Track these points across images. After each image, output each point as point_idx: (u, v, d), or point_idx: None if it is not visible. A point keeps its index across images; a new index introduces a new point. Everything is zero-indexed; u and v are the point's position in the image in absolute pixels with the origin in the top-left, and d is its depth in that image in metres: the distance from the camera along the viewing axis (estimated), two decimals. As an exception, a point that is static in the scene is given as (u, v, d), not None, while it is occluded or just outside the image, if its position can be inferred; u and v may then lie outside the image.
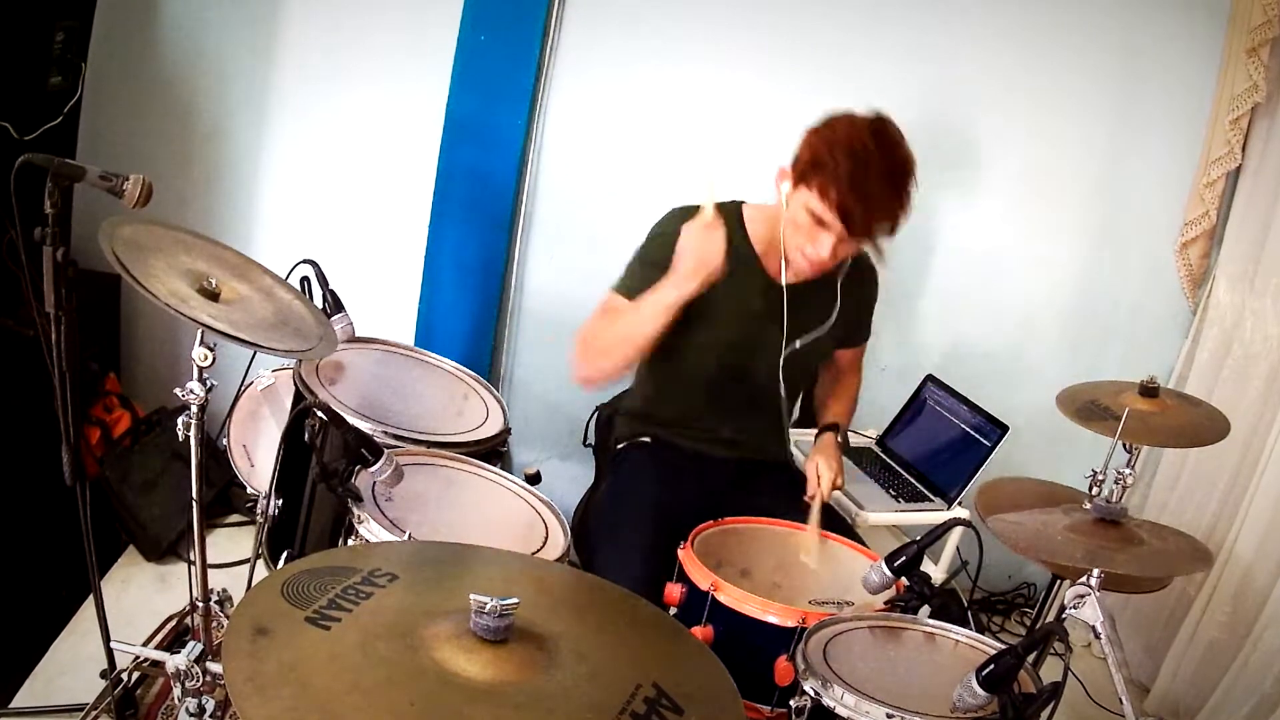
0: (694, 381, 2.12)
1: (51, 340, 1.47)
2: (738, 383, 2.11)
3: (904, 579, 1.61)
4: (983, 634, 1.63)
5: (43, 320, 1.46)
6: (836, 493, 2.37)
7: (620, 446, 2.25)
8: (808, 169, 1.88)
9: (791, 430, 2.28)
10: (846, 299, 2.13)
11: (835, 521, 2.10)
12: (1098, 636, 1.50)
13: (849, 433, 2.32)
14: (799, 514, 2.02)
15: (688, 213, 1.91)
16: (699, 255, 1.81)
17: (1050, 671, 1.54)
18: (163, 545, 2.57)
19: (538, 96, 2.74)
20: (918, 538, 1.61)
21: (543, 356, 2.98)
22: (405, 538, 1.59)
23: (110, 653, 1.78)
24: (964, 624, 1.63)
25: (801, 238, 1.93)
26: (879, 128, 1.88)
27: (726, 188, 2.36)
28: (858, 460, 2.59)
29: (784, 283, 2.03)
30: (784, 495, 2.10)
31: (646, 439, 2.20)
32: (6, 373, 2.28)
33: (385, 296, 2.84)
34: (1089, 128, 2.82)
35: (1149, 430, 1.92)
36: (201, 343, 1.53)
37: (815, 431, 2.28)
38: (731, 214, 2.05)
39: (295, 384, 1.95)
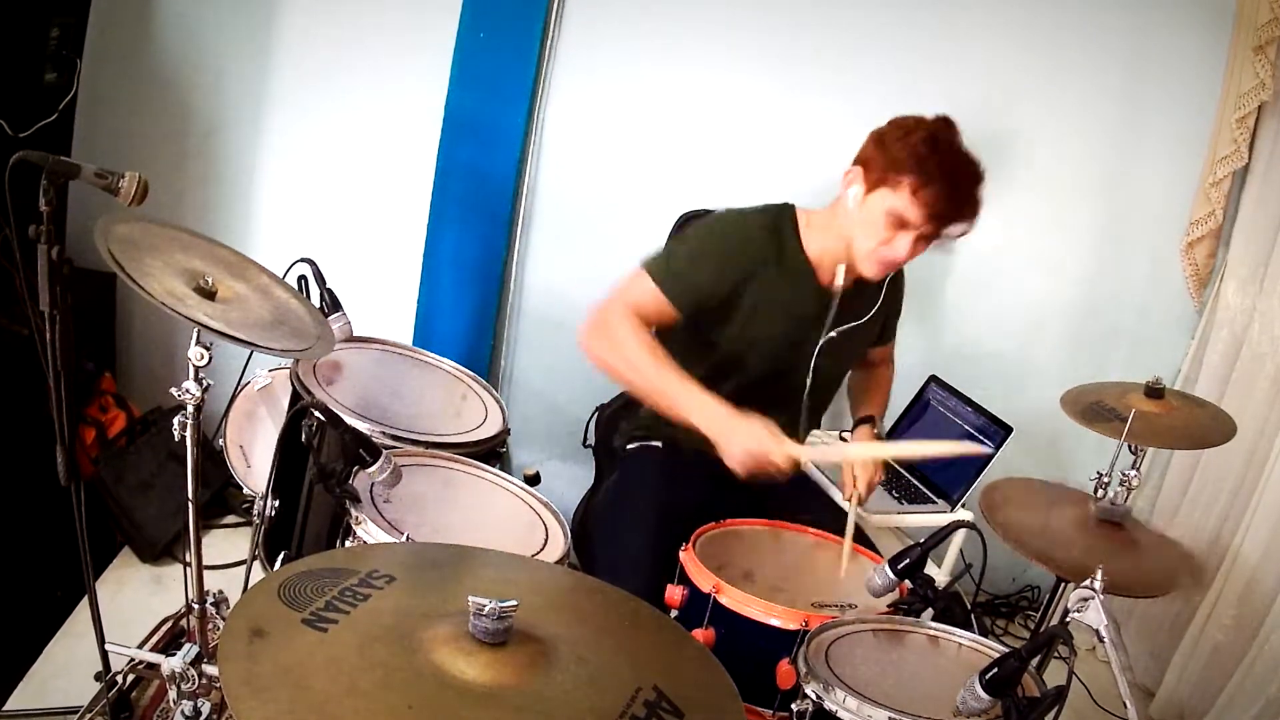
0: (718, 382, 2.08)
1: (46, 339, 1.46)
2: (764, 387, 2.06)
3: (907, 582, 1.60)
4: (986, 637, 1.62)
5: (38, 319, 1.45)
6: (839, 494, 2.36)
7: (630, 447, 2.23)
8: (888, 170, 1.84)
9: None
10: (887, 299, 2.13)
11: (839, 524, 2.08)
12: (1102, 640, 1.48)
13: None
14: (804, 516, 2.01)
15: (759, 214, 1.98)
16: (749, 459, 1.72)
17: (1054, 675, 1.52)
18: (158, 546, 2.56)
19: (537, 94, 2.73)
20: (921, 540, 1.60)
21: (542, 356, 2.97)
22: (403, 539, 1.58)
23: (105, 655, 1.77)
24: (967, 627, 1.62)
25: (874, 240, 1.90)
26: (952, 126, 1.88)
27: (725, 187, 2.37)
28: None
29: (839, 286, 1.99)
30: (792, 497, 2.09)
31: (658, 444, 2.16)
32: (1, 372, 2.27)
33: (383, 296, 2.83)
34: (1093, 127, 2.81)
35: (1154, 432, 1.91)
36: (198, 342, 1.53)
37: (838, 436, 2.27)
38: (786, 219, 2.02)
39: (292, 384, 1.94)
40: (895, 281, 2.18)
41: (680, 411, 1.79)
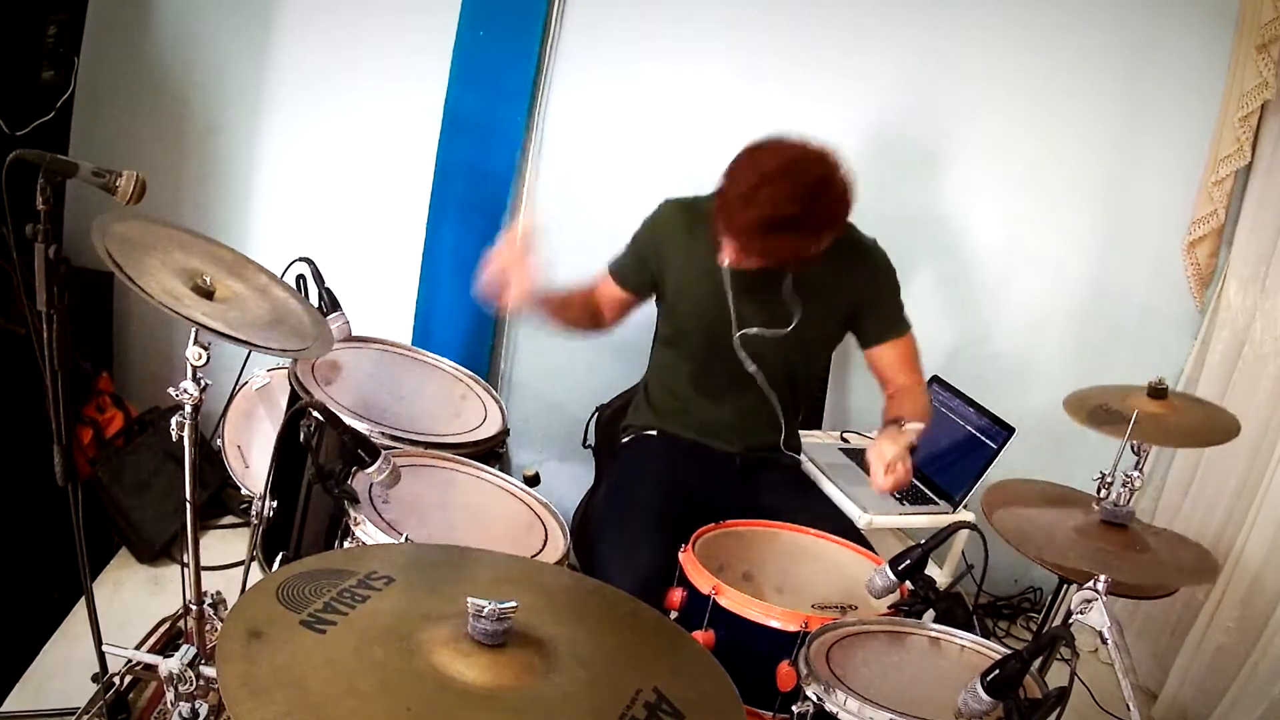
0: (679, 363, 2.15)
1: (43, 339, 1.46)
2: (727, 359, 2.08)
3: (908, 583, 1.60)
4: (988, 639, 1.61)
5: (35, 318, 1.45)
6: (841, 495, 2.36)
7: (626, 440, 2.25)
8: (719, 208, 1.88)
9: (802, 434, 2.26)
10: (833, 286, 2.04)
11: (839, 524, 2.08)
12: (1105, 642, 1.48)
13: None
14: (803, 514, 2.00)
15: (681, 199, 2.10)
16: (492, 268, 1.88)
17: (1057, 677, 1.52)
18: (156, 547, 2.55)
19: (537, 93, 2.72)
20: (922, 541, 1.60)
21: (542, 356, 2.96)
22: (402, 540, 1.57)
23: (102, 656, 1.77)
24: (969, 629, 1.62)
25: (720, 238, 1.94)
26: (789, 151, 1.85)
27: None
28: (861, 462, 2.57)
29: (726, 263, 1.98)
30: (789, 494, 2.09)
31: (653, 432, 2.19)
32: (-2, 371, 2.26)
33: (382, 295, 2.82)
34: (1095, 126, 2.80)
35: (1158, 432, 1.90)
36: (195, 341, 1.52)
37: (840, 435, 2.27)
38: (710, 202, 1.99)
39: (291, 384, 1.94)
40: (855, 268, 2.06)
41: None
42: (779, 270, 1.98)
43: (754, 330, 2.04)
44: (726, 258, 1.95)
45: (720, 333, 2.05)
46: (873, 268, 2.12)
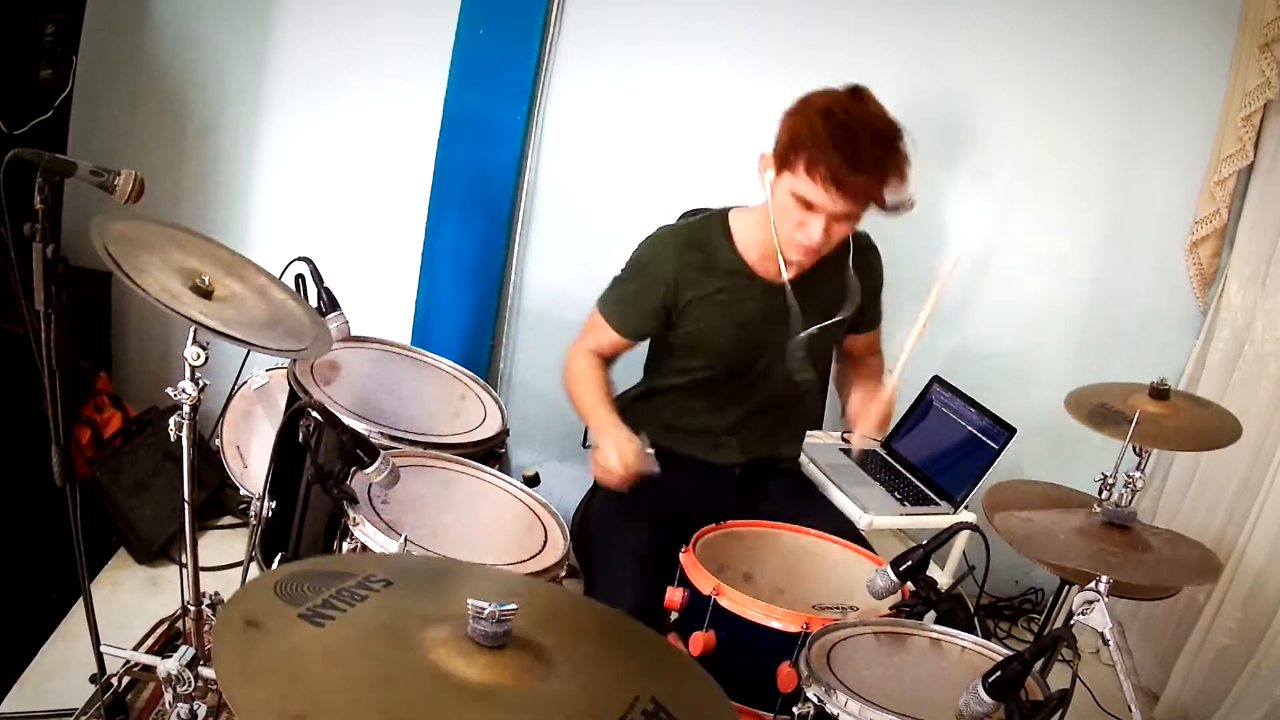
0: (697, 390, 2.10)
1: (41, 338, 1.45)
2: (746, 387, 2.08)
3: (910, 584, 1.60)
4: (989, 640, 1.61)
5: (33, 318, 1.45)
6: (841, 496, 2.36)
7: None
8: (788, 150, 1.81)
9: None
10: (857, 282, 2.06)
11: (840, 527, 2.07)
12: (1106, 643, 1.48)
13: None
14: (804, 519, 2.00)
15: (676, 233, 2.05)
16: (609, 461, 1.84)
17: (1058, 678, 1.51)
18: (154, 547, 2.54)
19: (537, 92, 2.72)
20: (924, 542, 1.60)
21: (542, 356, 2.95)
22: (401, 540, 1.57)
23: (100, 657, 1.77)
24: (970, 630, 1.61)
25: (790, 226, 1.87)
26: (854, 91, 1.83)
27: (725, 185, 2.34)
28: (862, 462, 2.57)
29: (786, 279, 1.97)
30: (789, 500, 2.08)
31: (649, 450, 2.14)
32: (-4, 371, 2.25)
33: (381, 295, 2.82)
34: (1097, 125, 2.80)
35: (1160, 434, 1.90)
36: (194, 341, 1.52)
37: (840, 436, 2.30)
38: (713, 226, 2.02)
39: (289, 384, 1.93)
40: (864, 264, 2.09)
41: (589, 424, 1.97)
42: (839, 255, 1.99)
43: (820, 326, 2.03)
44: (804, 254, 1.90)
45: (768, 353, 2.03)
46: (877, 263, 2.16)
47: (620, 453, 1.83)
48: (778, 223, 1.90)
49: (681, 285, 1.99)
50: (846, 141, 1.75)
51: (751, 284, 2.00)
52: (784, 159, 1.83)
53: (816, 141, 1.76)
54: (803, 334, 2.02)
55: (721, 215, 2.05)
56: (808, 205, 1.82)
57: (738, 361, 2.04)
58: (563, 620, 1.25)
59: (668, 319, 2.03)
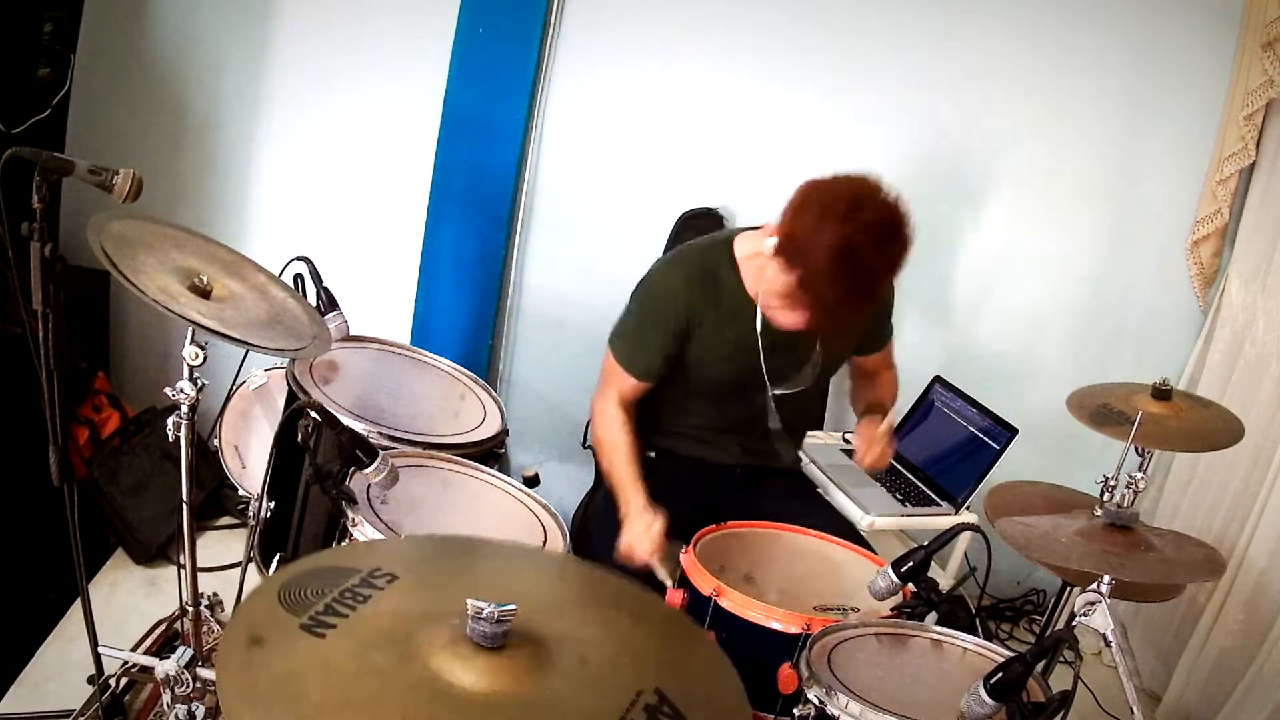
0: (698, 409, 2.09)
1: (39, 338, 1.44)
2: (747, 407, 2.06)
3: (911, 585, 1.59)
4: (991, 641, 1.60)
5: (30, 317, 1.44)
6: (842, 496, 2.35)
7: None
8: (792, 253, 1.73)
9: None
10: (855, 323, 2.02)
11: (841, 526, 2.07)
12: (1108, 644, 1.47)
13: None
14: (805, 519, 2.00)
15: (686, 267, 1.96)
16: (629, 548, 1.81)
17: (1060, 680, 1.51)
18: (152, 548, 2.53)
19: (537, 90, 2.71)
20: (925, 543, 1.59)
21: (542, 356, 2.95)
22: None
23: (98, 658, 1.76)
24: (972, 631, 1.61)
25: (777, 301, 1.84)
26: (880, 228, 1.67)
27: (726, 185, 2.35)
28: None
29: (760, 328, 1.94)
30: (790, 500, 2.08)
31: (651, 454, 2.11)
32: (-7, 371, 2.24)
33: (381, 294, 2.81)
34: (1099, 124, 2.80)
35: (1162, 434, 1.89)
36: (192, 341, 1.52)
37: (841, 436, 2.27)
38: (723, 258, 1.97)
39: (288, 383, 1.93)
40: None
41: (618, 498, 1.92)
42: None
43: (785, 390, 2.02)
44: (782, 318, 1.87)
45: (748, 386, 2.02)
46: (886, 295, 2.11)
47: (641, 546, 1.81)
48: (766, 289, 1.87)
49: (692, 322, 1.95)
50: (842, 299, 1.69)
51: (755, 325, 1.95)
52: (785, 254, 1.75)
53: (816, 280, 1.70)
54: (774, 393, 2.02)
55: (726, 245, 1.98)
56: (794, 302, 1.79)
57: (740, 387, 2.03)
58: (571, 602, 1.25)
59: (682, 355, 1.99)
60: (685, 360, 1.99)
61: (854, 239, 1.64)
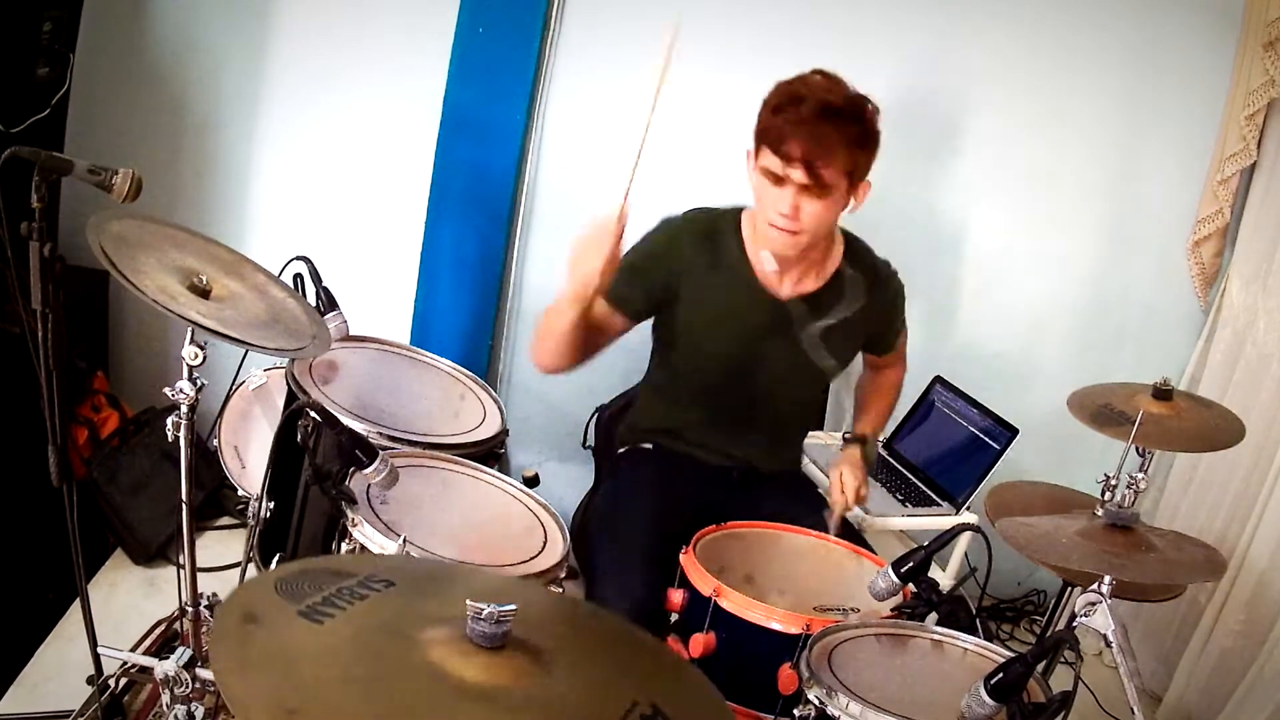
0: (693, 394, 2.09)
1: (38, 338, 1.44)
2: (742, 395, 2.06)
3: (911, 585, 1.59)
4: (991, 642, 1.60)
5: (29, 317, 1.44)
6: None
7: (621, 451, 2.21)
8: (758, 132, 1.86)
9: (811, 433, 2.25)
10: (869, 304, 2.06)
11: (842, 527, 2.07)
12: (1109, 645, 1.47)
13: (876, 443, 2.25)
14: (805, 519, 1.99)
15: (692, 223, 2.01)
16: (573, 258, 1.75)
17: (1060, 680, 1.51)
18: (151, 548, 2.53)
19: (538, 90, 2.71)
20: (925, 543, 1.59)
21: (541, 356, 2.94)
22: (400, 541, 1.56)
23: (97, 658, 1.75)
24: (972, 631, 1.61)
25: (767, 207, 1.87)
26: (818, 72, 1.88)
27: (726, 185, 2.32)
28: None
29: (789, 295, 1.98)
30: (789, 500, 2.08)
31: (648, 445, 2.15)
32: (-7, 371, 2.24)
33: (380, 294, 2.81)
34: (1099, 124, 2.79)
35: (1163, 434, 1.89)
36: (192, 341, 1.52)
37: (840, 436, 2.26)
38: (727, 220, 2.02)
39: (288, 383, 1.92)
40: (876, 288, 2.08)
41: (556, 312, 1.82)
42: (838, 278, 2.00)
43: (819, 348, 2.04)
44: (767, 256, 1.92)
45: (766, 366, 2.03)
46: (894, 295, 2.15)
47: (591, 228, 1.74)
48: (757, 209, 1.92)
49: (685, 275, 1.98)
50: (791, 105, 1.81)
51: (752, 292, 1.99)
52: (757, 142, 1.88)
53: (766, 107, 1.85)
54: (805, 355, 2.02)
55: (735, 213, 2.04)
56: (775, 179, 1.84)
57: (733, 368, 2.03)
58: (562, 625, 1.25)
59: (659, 303, 2.00)
60: (674, 328, 2.00)
61: (800, 77, 1.87)
